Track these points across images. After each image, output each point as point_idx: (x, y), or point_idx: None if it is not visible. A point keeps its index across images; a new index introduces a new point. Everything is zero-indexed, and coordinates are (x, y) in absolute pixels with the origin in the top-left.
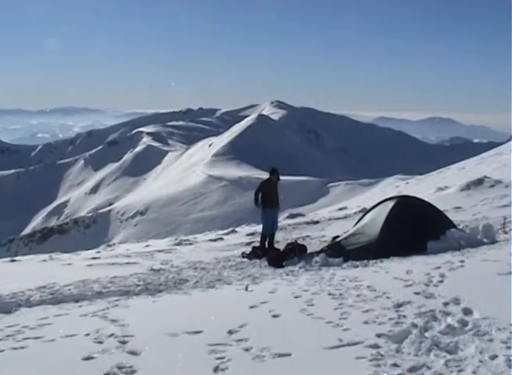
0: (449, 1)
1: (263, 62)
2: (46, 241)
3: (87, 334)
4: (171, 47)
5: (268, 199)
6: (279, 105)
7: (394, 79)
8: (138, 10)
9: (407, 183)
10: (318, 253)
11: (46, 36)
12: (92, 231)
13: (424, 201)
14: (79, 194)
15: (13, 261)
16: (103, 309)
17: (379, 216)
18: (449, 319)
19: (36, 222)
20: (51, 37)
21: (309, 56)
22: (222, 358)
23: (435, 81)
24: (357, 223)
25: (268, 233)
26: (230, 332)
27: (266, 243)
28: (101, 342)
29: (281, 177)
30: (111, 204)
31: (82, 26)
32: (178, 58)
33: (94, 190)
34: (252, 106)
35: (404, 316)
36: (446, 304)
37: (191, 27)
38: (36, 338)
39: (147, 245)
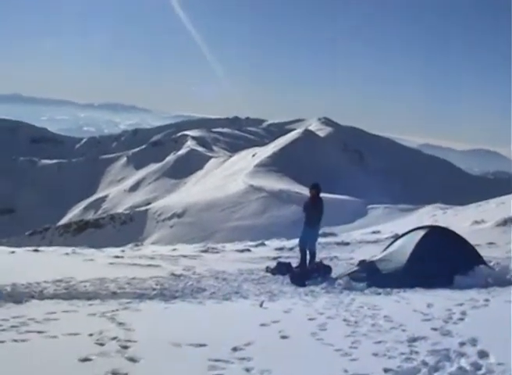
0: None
1: (313, 78)
2: (81, 233)
3: (91, 335)
4: (225, 56)
5: (307, 217)
6: (326, 121)
7: (443, 106)
8: (200, 12)
9: (445, 212)
10: (342, 276)
11: (99, 29)
12: (127, 228)
13: (456, 233)
14: (118, 190)
15: (36, 251)
16: (113, 310)
17: (408, 244)
18: (463, 361)
19: (73, 213)
20: (105, 31)
21: (358, 77)
22: None
23: (484, 114)
24: (386, 249)
25: (300, 249)
26: (235, 349)
27: (303, 260)
28: (102, 344)
29: (321, 195)
30: (149, 203)
31: (138, 22)
32: (231, 66)
33: (134, 188)
34: (299, 120)
35: (416, 352)
36: (462, 344)
37: (247, 39)
38: (39, 332)
39: (174, 249)
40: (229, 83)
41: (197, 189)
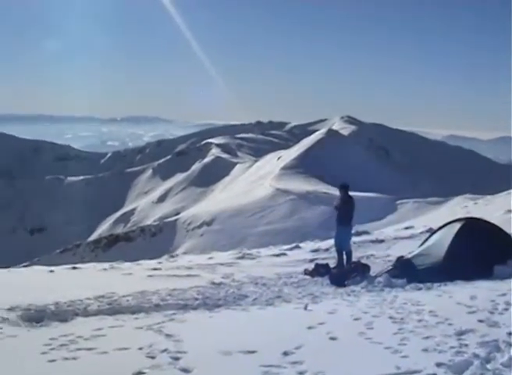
0: None
1: (333, 77)
2: (112, 247)
3: (140, 348)
4: (242, 60)
5: (338, 215)
6: (349, 120)
7: (466, 97)
8: (213, 21)
9: (476, 203)
10: (381, 273)
11: (117, 45)
12: (158, 240)
13: (491, 223)
14: (146, 202)
15: (74, 268)
16: (159, 323)
17: (445, 238)
18: None
19: (103, 228)
20: (122, 47)
21: (379, 71)
22: None
23: (505, 100)
24: (422, 244)
25: (336, 250)
26: (285, 353)
27: (340, 261)
28: (153, 357)
29: (350, 193)
30: (177, 213)
31: (154, 35)
32: (249, 71)
33: (162, 199)
34: (322, 121)
35: (466, 345)
36: (510, 334)
37: (263, 41)
38: (89, 349)
39: (210, 257)
40: (250, 88)
41: (225, 196)
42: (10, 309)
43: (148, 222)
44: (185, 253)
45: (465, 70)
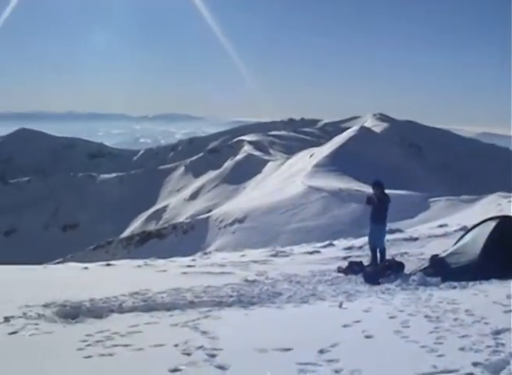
0: None
1: (366, 74)
2: (144, 244)
3: (176, 345)
4: (274, 57)
5: (372, 212)
6: (382, 117)
7: (500, 94)
8: (244, 19)
9: (510, 201)
10: (415, 271)
11: (147, 44)
12: (190, 237)
13: None
14: (178, 199)
15: (109, 265)
16: (194, 320)
17: (480, 236)
18: None
19: (135, 226)
20: (153, 46)
21: (412, 68)
22: None
23: None
24: (457, 242)
25: (370, 248)
26: (321, 351)
27: (374, 258)
28: (189, 354)
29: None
30: (209, 211)
31: (188, 35)
32: (281, 68)
33: (194, 196)
34: (354, 118)
35: (503, 345)
36: None
37: (295, 39)
38: (125, 346)
39: (243, 255)
40: (282, 86)
41: (257, 193)
42: (46, 306)
43: (180, 219)
44: (217, 250)
45: (498, 67)
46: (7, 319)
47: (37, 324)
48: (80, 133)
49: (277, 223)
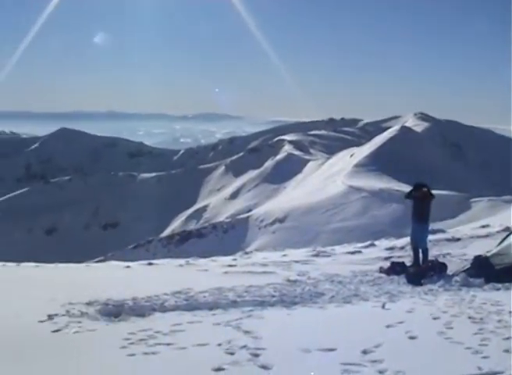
0: None
1: (406, 73)
2: (184, 244)
3: (219, 344)
4: (314, 57)
5: (414, 212)
6: (423, 116)
7: None
8: (283, 18)
9: None
10: (458, 272)
11: (185, 43)
12: (230, 237)
13: None
14: (218, 199)
15: (150, 264)
16: (236, 319)
17: None
18: None
19: (175, 225)
20: (191, 45)
21: (453, 68)
22: None
23: None
24: (500, 243)
25: (412, 248)
26: (365, 352)
27: (416, 259)
28: (232, 353)
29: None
30: (250, 210)
31: (226, 35)
32: (321, 67)
33: (234, 196)
34: (395, 117)
35: None
36: None
37: (335, 39)
38: (168, 345)
39: (285, 255)
40: (321, 85)
41: (297, 193)
42: (89, 304)
43: (220, 218)
44: (257, 250)
45: None
46: (50, 317)
47: (80, 322)
48: (121, 133)
49: (317, 222)
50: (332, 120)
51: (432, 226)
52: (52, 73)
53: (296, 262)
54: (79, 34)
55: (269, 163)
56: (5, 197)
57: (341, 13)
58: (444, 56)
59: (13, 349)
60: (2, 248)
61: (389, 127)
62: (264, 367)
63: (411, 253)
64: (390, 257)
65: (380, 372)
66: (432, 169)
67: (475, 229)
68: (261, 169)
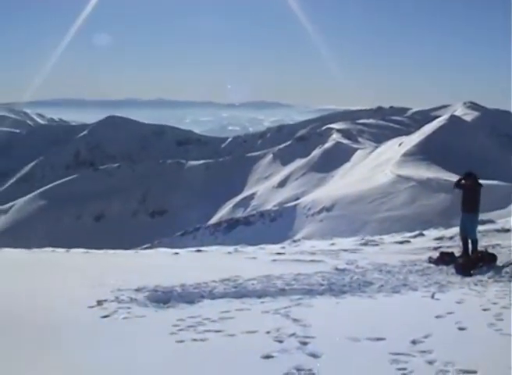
0: None
1: (455, 61)
2: (231, 231)
3: (268, 332)
4: (363, 45)
5: (464, 202)
6: (472, 106)
7: None
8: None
9: None
10: (508, 264)
11: (231, 31)
12: (277, 225)
13: None
14: (266, 187)
15: (199, 251)
16: (285, 307)
17: None
18: None
19: (222, 212)
20: (237, 32)
21: (503, 56)
22: (404, 369)
23: None
24: None
25: (461, 238)
26: (414, 342)
27: (465, 249)
28: (281, 341)
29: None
30: (297, 199)
31: (274, 23)
32: (370, 56)
33: (282, 184)
34: (444, 106)
35: None
36: None
37: (386, 29)
38: (217, 331)
39: (333, 243)
40: (371, 73)
41: (345, 182)
42: (138, 290)
43: (268, 206)
44: (304, 238)
45: None
46: (100, 303)
47: (129, 308)
48: (169, 121)
49: (365, 211)
50: (380, 109)
51: (482, 216)
52: (101, 62)
53: (345, 250)
54: (127, 23)
55: (317, 152)
56: (54, 183)
57: (388, 2)
58: (495, 46)
59: (64, 335)
60: (52, 234)
61: (439, 116)
62: (313, 355)
63: (460, 243)
64: (439, 247)
65: (429, 362)
66: (482, 159)
67: None
68: (309, 157)
